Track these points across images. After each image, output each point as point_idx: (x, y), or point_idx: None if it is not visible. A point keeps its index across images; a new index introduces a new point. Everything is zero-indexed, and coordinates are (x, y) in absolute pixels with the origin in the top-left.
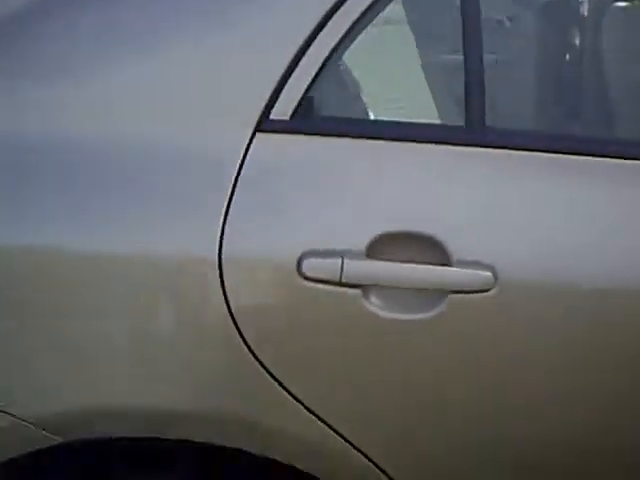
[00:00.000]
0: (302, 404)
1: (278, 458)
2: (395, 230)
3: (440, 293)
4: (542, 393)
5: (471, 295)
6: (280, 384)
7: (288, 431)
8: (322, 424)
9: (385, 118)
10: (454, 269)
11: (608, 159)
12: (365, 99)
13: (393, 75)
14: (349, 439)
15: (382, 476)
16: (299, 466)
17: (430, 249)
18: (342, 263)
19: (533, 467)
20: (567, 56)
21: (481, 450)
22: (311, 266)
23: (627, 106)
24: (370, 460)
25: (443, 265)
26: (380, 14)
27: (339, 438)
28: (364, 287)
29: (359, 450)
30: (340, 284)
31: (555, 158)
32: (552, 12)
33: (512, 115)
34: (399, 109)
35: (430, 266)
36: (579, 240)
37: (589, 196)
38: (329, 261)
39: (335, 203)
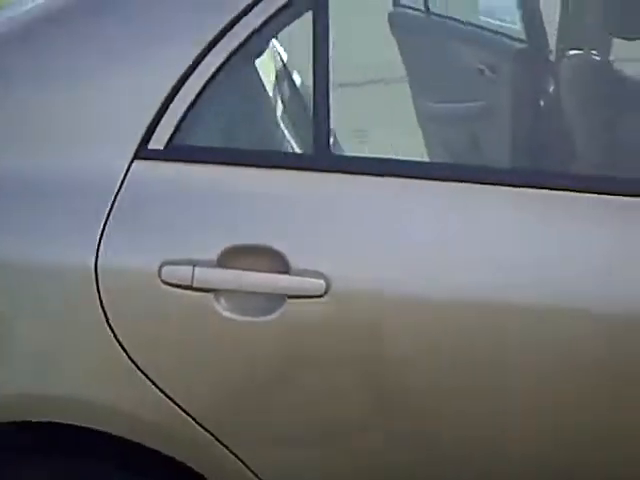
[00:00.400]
0: (164, 393)
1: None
2: (243, 243)
3: (280, 298)
4: (372, 396)
5: (306, 300)
6: (143, 373)
7: (154, 421)
8: (184, 413)
9: (245, 147)
10: (291, 277)
11: (431, 181)
12: (231, 131)
13: (258, 107)
14: (204, 424)
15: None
16: (161, 449)
17: (273, 259)
18: (193, 270)
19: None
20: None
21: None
22: (168, 273)
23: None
24: (219, 441)
25: (283, 273)
26: (251, 51)
27: (197, 426)
28: (215, 292)
29: (211, 433)
30: (192, 288)
31: (385, 181)
32: None
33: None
34: (261, 138)
35: (270, 274)
36: (409, 253)
37: (417, 212)
38: (182, 268)
39: (193, 221)
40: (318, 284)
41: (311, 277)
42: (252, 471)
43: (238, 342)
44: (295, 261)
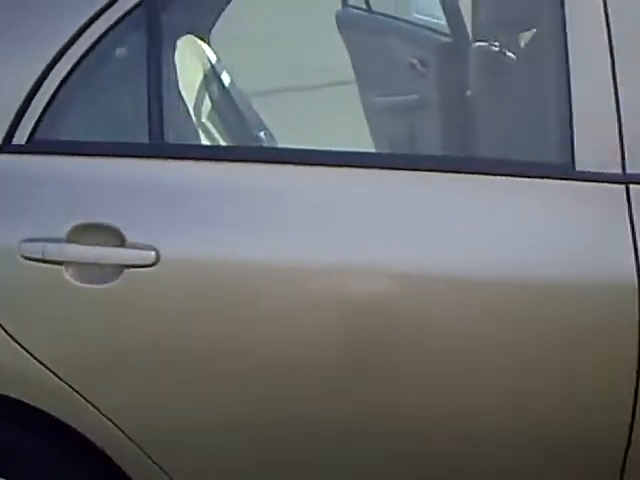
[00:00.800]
0: (24, 348)
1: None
2: (88, 222)
3: (118, 268)
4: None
5: (139, 269)
6: (6, 331)
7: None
8: (40, 365)
9: (95, 139)
10: (125, 249)
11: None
12: (86, 124)
13: (114, 103)
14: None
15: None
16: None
17: (112, 235)
18: (44, 246)
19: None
20: None
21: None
22: (26, 248)
23: None
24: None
25: (120, 247)
26: (111, 50)
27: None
28: (64, 264)
29: (55, 374)
30: (45, 261)
31: (210, 165)
32: None
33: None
34: (111, 131)
35: (108, 247)
36: (228, 227)
37: (232, 190)
38: (36, 244)
39: (48, 204)
40: (149, 255)
41: (143, 249)
42: (99, 410)
43: (83, 306)
44: (130, 236)
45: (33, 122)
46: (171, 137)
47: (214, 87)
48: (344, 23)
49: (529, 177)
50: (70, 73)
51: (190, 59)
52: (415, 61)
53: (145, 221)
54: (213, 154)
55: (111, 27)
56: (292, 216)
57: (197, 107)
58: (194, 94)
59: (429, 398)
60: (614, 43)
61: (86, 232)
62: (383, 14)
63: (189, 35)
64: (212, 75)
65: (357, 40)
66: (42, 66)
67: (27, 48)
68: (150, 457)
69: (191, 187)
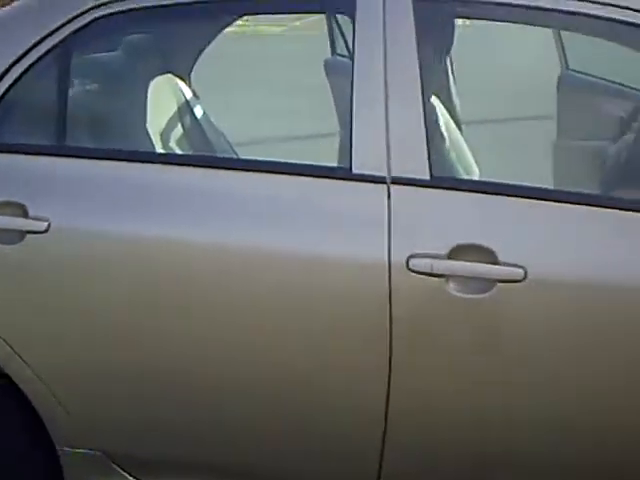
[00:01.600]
0: None
1: None
2: (7, 200)
3: (20, 234)
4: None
5: (36, 235)
6: None
7: None
8: None
9: (22, 142)
10: (26, 220)
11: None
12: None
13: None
14: None
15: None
16: None
17: (21, 209)
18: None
19: None
20: None
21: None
22: None
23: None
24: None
25: (24, 217)
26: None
27: None
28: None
29: None
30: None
31: (97, 163)
32: None
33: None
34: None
35: (15, 217)
36: (108, 205)
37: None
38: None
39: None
40: (42, 224)
41: (38, 220)
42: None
43: (4, 263)
44: (32, 210)
45: None
46: (70, 141)
47: (186, 118)
48: (331, 70)
49: (316, 177)
50: (8, 90)
51: (164, 92)
52: None
53: (43, 199)
54: (105, 154)
55: (33, 64)
56: (159, 200)
57: (165, 133)
58: (160, 120)
59: None
60: (388, 82)
61: (10, 207)
62: None
63: (169, 74)
64: (185, 107)
65: (339, 84)
66: None
67: None
68: (40, 379)
69: (88, 175)
